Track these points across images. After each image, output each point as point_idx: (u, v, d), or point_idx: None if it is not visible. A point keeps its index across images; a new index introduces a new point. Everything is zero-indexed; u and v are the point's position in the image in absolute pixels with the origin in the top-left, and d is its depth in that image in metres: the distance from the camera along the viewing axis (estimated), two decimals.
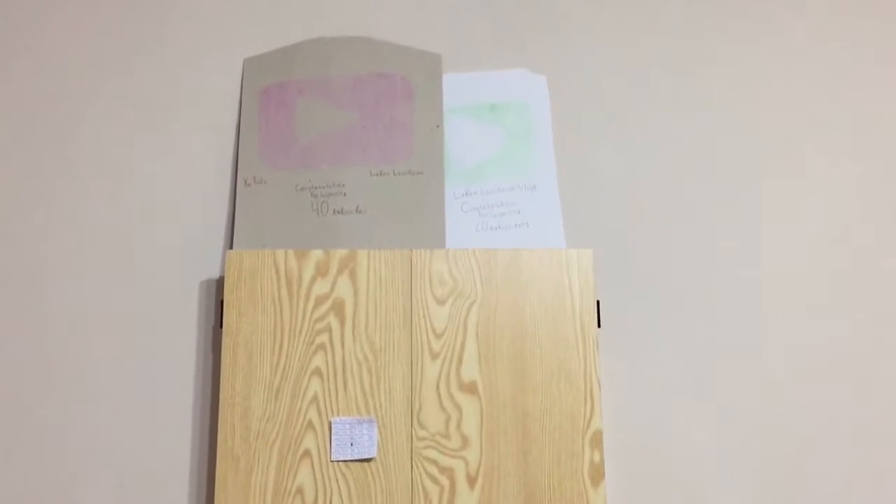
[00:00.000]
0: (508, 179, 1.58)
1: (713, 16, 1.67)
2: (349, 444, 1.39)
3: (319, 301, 1.43)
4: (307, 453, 1.38)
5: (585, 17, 1.66)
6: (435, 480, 1.38)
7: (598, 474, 1.39)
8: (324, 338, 1.42)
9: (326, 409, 1.40)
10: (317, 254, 1.45)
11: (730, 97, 1.64)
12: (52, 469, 1.43)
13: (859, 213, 1.60)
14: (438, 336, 1.43)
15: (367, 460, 1.38)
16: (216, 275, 1.52)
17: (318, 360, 1.41)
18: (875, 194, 1.60)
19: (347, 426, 1.39)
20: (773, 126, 1.63)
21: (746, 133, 1.63)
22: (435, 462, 1.39)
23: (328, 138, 1.57)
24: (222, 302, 1.44)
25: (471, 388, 1.42)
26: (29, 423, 1.45)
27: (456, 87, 1.62)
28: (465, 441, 1.40)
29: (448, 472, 1.39)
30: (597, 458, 1.40)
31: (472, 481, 1.39)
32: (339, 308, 1.43)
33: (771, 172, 1.61)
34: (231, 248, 1.51)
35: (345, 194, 1.54)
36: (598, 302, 1.48)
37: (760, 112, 1.64)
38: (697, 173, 1.61)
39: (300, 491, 1.37)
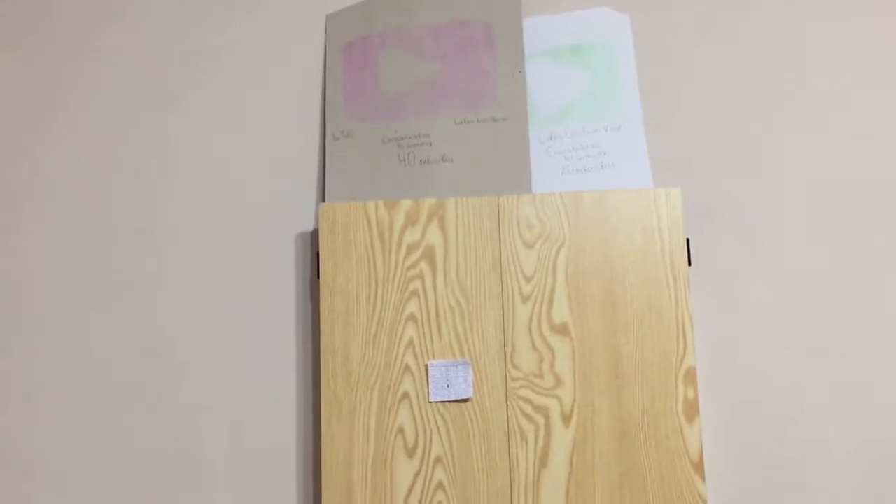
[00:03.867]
0: (593, 121, 1.58)
1: None
2: (445, 386, 1.43)
3: (411, 249, 1.47)
4: (406, 395, 1.44)
5: None
6: (530, 419, 1.42)
7: (692, 410, 1.41)
8: (416, 284, 1.46)
9: (422, 353, 1.44)
10: (406, 203, 1.49)
11: (828, 34, 1.59)
12: (170, 415, 1.53)
13: None
14: (528, 279, 1.46)
15: (464, 401, 1.43)
16: (310, 227, 1.57)
17: (412, 307, 1.46)
18: None
19: (443, 369, 1.44)
20: (864, 69, 1.58)
21: (841, 75, 1.58)
22: (529, 401, 1.42)
23: (412, 89, 1.59)
24: (318, 254, 1.49)
25: (562, 329, 1.44)
26: (148, 376, 1.55)
27: (537, 30, 1.62)
28: (558, 381, 1.43)
29: (543, 410, 1.42)
30: (691, 394, 1.41)
31: (566, 419, 1.42)
32: (429, 255, 1.47)
33: (864, 109, 1.56)
34: (323, 201, 1.56)
35: (430, 144, 1.56)
36: (687, 240, 1.47)
37: (866, 53, 1.58)
38: (787, 110, 1.57)
39: (401, 430, 1.43)
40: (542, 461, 1.41)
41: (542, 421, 1.42)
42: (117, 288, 1.57)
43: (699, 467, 1.39)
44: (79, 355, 1.55)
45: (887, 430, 1.47)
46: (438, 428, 1.43)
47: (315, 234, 1.57)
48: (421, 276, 1.46)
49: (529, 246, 1.47)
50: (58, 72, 1.65)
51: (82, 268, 1.58)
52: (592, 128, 1.58)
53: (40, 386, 1.55)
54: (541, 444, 1.42)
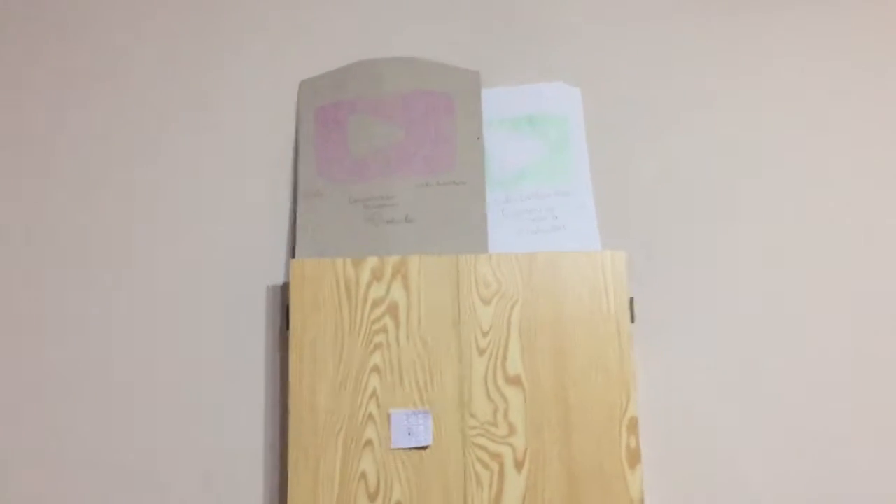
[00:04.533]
0: (546, 186, 1.71)
1: (744, 15, 1.78)
2: (407, 434, 1.53)
3: (376, 304, 1.58)
4: (369, 442, 1.53)
5: (614, 27, 1.77)
6: (486, 465, 1.52)
7: (634, 458, 1.52)
8: (381, 338, 1.56)
9: (385, 403, 1.54)
10: (372, 261, 1.59)
11: (763, 100, 1.75)
12: (140, 462, 1.60)
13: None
14: (485, 334, 1.57)
15: (424, 448, 1.53)
16: (280, 280, 1.67)
17: (377, 358, 1.56)
18: None
19: (405, 417, 1.53)
20: (806, 129, 1.74)
21: (780, 135, 1.74)
22: (485, 448, 1.53)
23: (378, 153, 1.70)
24: (287, 306, 1.59)
25: (515, 381, 1.55)
26: (118, 422, 1.61)
27: (495, 100, 1.75)
28: (511, 429, 1.53)
29: (497, 457, 1.53)
30: (633, 443, 1.53)
31: (519, 465, 1.52)
32: (393, 310, 1.57)
33: (802, 174, 1.72)
34: (293, 256, 1.66)
35: (395, 205, 1.68)
36: (631, 299, 1.60)
37: (796, 115, 1.74)
38: (726, 175, 1.72)
39: (364, 476, 1.52)
40: None
41: (496, 467, 1.52)
42: (92, 332, 1.64)
43: None
44: (54, 396, 1.62)
45: (820, 475, 1.60)
46: (399, 473, 1.52)
47: (285, 287, 1.66)
48: (385, 330, 1.57)
49: (486, 302, 1.58)
50: (35, 115, 1.72)
51: (55, 314, 1.65)
52: (545, 192, 1.71)
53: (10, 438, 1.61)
54: (495, 489, 1.52)
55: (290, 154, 1.72)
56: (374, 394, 1.55)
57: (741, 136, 1.74)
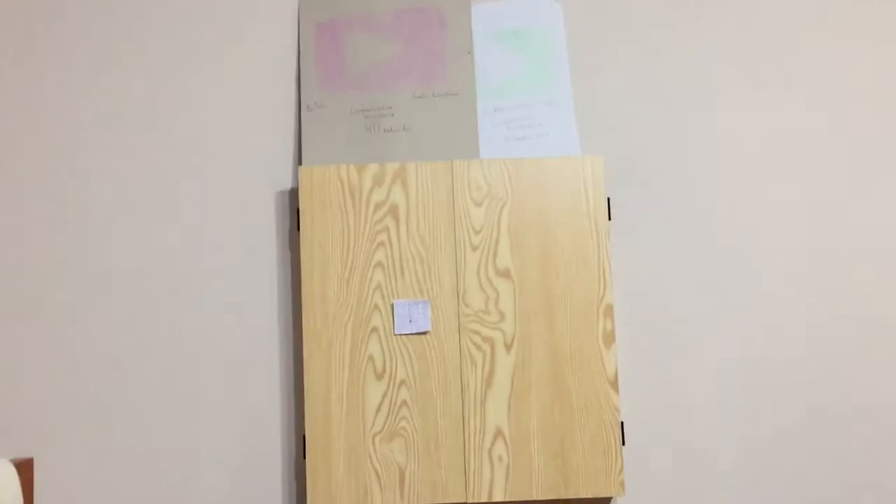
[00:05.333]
0: (531, 96, 1.86)
1: None
2: (408, 321, 1.72)
3: (378, 206, 1.74)
4: (375, 329, 1.72)
5: None
6: (479, 348, 1.72)
7: (609, 339, 1.73)
8: (383, 237, 1.73)
9: (389, 294, 1.72)
10: (373, 167, 1.75)
11: (750, 10, 1.89)
12: (169, 350, 1.78)
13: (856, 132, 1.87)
14: (477, 232, 1.74)
15: (424, 333, 1.72)
16: (289, 186, 1.82)
17: (380, 255, 1.73)
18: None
19: (406, 307, 1.72)
20: (780, 40, 1.89)
21: (762, 45, 1.88)
22: (478, 333, 1.72)
23: (375, 66, 1.84)
24: (298, 210, 1.74)
25: (505, 274, 1.74)
26: (145, 319, 1.79)
27: (483, 16, 1.87)
28: (502, 316, 1.73)
29: (489, 340, 1.72)
30: (608, 326, 1.73)
31: (508, 347, 1.72)
32: (394, 212, 1.74)
33: (780, 84, 1.88)
34: (300, 163, 1.81)
35: (392, 115, 1.82)
36: (608, 199, 1.77)
37: (772, 29, 1.89)
38: (703, 83, 1.87)
39: (371, 359, 1.71)
40: (488, 382, 1.72)
41: (488, 349, 1.72)
42: (124, 240, 1.80)
43: (614, 384, 1.72)
44: (77, 301, 1.78)
45: (777, 352, 1.82)
46: (402, 356, 1.72)
47: (294, 193, 1.82)
48: (387, 230, 1.74)
49: (478, 204, 1.75)
50: (42, 57, 1.83)
51: (76, 225, 1.80)
52: (530, 102, 1.86)
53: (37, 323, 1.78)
54: (487, 368, 1.72)
55: (294, 67, 1.85)
56: (378, 286, 1.73)
57: (720, 44, 1.88)
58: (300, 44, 1.85)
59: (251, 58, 1.85)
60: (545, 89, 1.86)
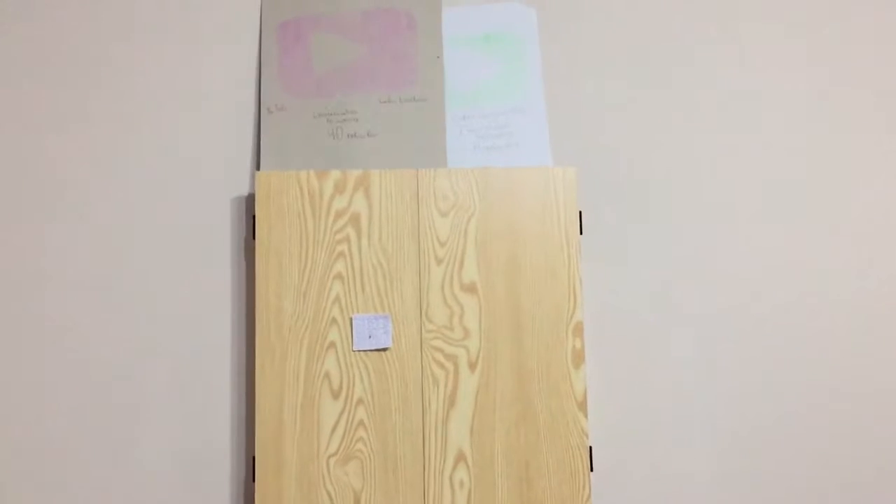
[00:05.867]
0: (501, 104, 1.78)
1: None
2: (368, 337, 1.63)
3: (339, 215, 1.65)
4: (332, 344, 1.63)
5: None
6: (441, 366, 1.63)
7: (579, 359, 1.65)
8: (343, 247, 1.65)
9: (348, 308, 1.63)
10: (335, 174, 1.66)
11: (711, 20, 1.83)
12: (115, 356, 1.68)
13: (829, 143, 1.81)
14: (442, 244, 1.66)
15: (384, 350, 1.63)
16: (246, 192, 1.73)
17: (339, 266, 1.64)
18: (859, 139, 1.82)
19: (366, 321, 1.63)
20: (755, 48, 1.83)
21: (722, 56, 1.82)
22: (441, 350, 1.64)
23: (341, 69, 1.75)
24: (254, 217, 1.65)
25: (471, 288, 1.65)
26: (88, 326, 1.68)
27: (454, 19, 1.80)
28: (466, 333, 1.64)
29: (452, 358, 1.64)
30: (578, 344, 1.65)
31: (472, 366, 1.64)
32: (355, 221, 1.65)
33: (759, 91, 1.82)
34: (259, 169, 1.72)
35: (357, 120, 1.74)
36: (580, 213, 1.70)
37: (753, 38, 1.83)
38: (679, 92, 1.81)
39: (327, 376, 1.62)
40: (451, 402, 1.63)
41: (451, 368, 1.64)
42: (65, 245, 1.70)
43: (583, 406, 1.63)
44: (21, 305, 1.68)
45: (755, 374, 1.75)
46: (361, 373, 1.63)
47: (250, 199, 1.72)
48: (347, 240, 1.65)
49: (444, 214, 1.67)
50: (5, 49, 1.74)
51: (26, 232, 1.70)
52: (501, 110, 1.78)
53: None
54: (450, 387, 1.63)
55: (255, 69, 1.76)
56: (336, 299, 1.63)
57: (697, 51, 1.82)
58: (262, 43, 1.76)
59: (208, 57, 1.76)
60: (517, 97, 1.78)
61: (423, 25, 1.77)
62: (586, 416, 1.63)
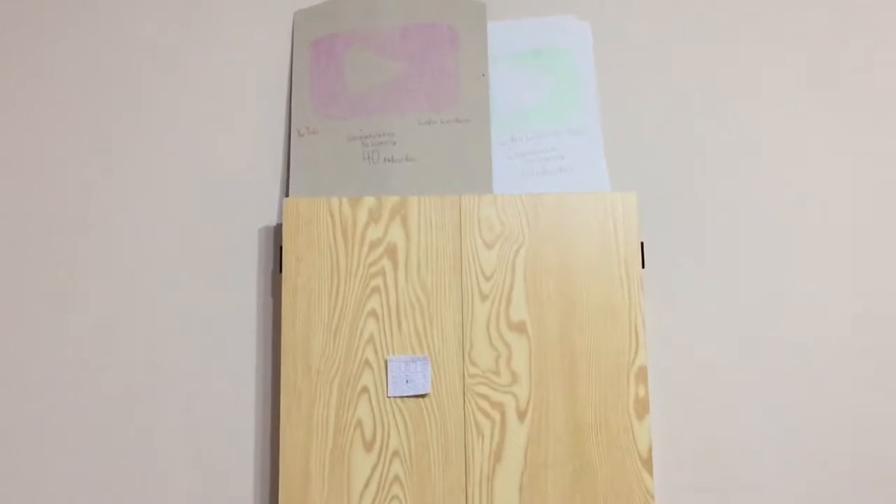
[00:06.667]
0: (553, 125, 1.62)
1: None
2: (404, 381, 1.46)
3: (373, 246, 1.50)
4: (365, 389, 1.46)
5: None
6: (486, 415, 1.46)
7: (642, 409, 1.46)
8: (378, 281, 1.49)
9: (382, 348, 1.47)
10: (369, 201, 1.51)
11: (776, 44, 1.65)
12: (130, 401, 1.53)
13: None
14: (488, 278, 1.49)
15: (422, 396, 1.46)
16: (274, 221, 1.59)
17: (374, 302, 1.48)
18: None
19: (402, 364, 1.46)
20: (819, 76, 1.64)
21: (801, 79, 1.64)
22: (486, 397, 1.46)
23: (377, 88, 1.61)
24: (281, 248, 1.51)
25: (519, 328, 1.48)
26: (110, 362, 1.55)
27: (501, 34, 1.65)
28: (514, 377, 1.46)
29: (499, 406, 1.46)
30: (641, 392, 1.46)
31: (521, 415, 1.46)
32: (391, 252, 1.50)
33: (816, 120, 1.63)
34: (287, 195, 1.58)
35: (394, 143, 1.59)
36: (641, 244, 1.52)
37: (812, 61, 1.65)
38: (742, 117, 1.63)
39: (360, 424, 1.45)
40: (497, 456, 1.45)
41: (497, 417, 1.46)
42: (86, 275, 1.57)
43: (648, 463, 1.44)
44: (48, 341, 1.55)
45: (824, 428, 1.54)
46: (396, 422, 1.46)
47: (278, 229, 1.58)
48: (382, 273, 1.49)
49: (489, 245, 1.50)
50: (30, 67, 1.64)
51: (49, 258, 1.58)
52: (552, 131, 1.62)
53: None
54: (496, 439, 1.45)
55: (285, 89, 1.63)
56: (370, 339, 1.47)
57: (761, 71, 1.64)
58: (293, 62, 1.63)
59: (237, 77, 1.64)
60: (569, 117, 1.62)
61: (466, 41, 1.63)
62: (651, 473, 1.44)
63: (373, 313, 1.48)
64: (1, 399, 1.53)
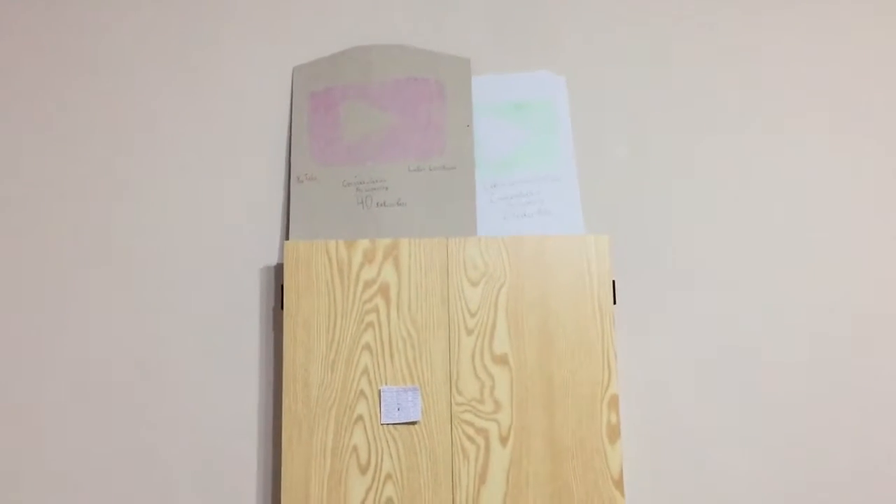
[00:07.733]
0: (532, 172, 1.76)
1: (728, 14, 1.83)
2: (396, 409, 1.59)
3: (367, 285, 1.63)
4: (360, 417, 1.59)
5: (602, 19, 1.82)
6: (472, 440, 1.59)
7: (614, 433, 1.59)
8: (372, 317, 1.62)
9: (376, 379, 1.60)
10: (364, 243, 1.64)
11: (738, 94, 1.81)
12: (138, 433, 1.65)
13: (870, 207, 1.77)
14: (473, 314, 1.63)
15: (413, 423, 1.59)
16: (274, 262, 1.72)
17: (368, 337, 1.61)
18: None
19: (394, 393, 1.59)
20: (780, 118, 1.80)
21: (756, 126, 1.80)
22: (472, 424, 1.59)
23: (371, 137, 1.75)
24: (282, 287, 1.64)
25: (502, 360, 1.61)
26: (119, 397, 1.67)
27: (484, 87, 1.80)
28: (497, 405, 1.60)
29: (483, 432, 1.59)
30: (613, 419, 1.59)
31: (504, 440, 1.59)
32: (384, 291, 1.63)
33: (785, 158, 1.78)
34: (287, 238, 1.71)
35: (386, 188, 1.73)
36: (613, 282, 1.66)
37: (773, 107, 1.80)
38: (709, 160, 1.78)
39: (355, 449, 1.58)
40: (482, 478, 1.58)
41: (482, 442, 1.59)
42: (96, 314, 1.69)
43: (619, 484, 1.57)
44: (53, 379, 1.67)
45: (797, 459, 1.68)
46: (389, 447, 1.58)
47: (279, 269, 1.71)
48: (376, 310, 1.62)
49: (474, 284, 1.64)
50: (29, 102, 1.76)
51: (55, 297, 1.70)
52: (532, 177, 1.76)
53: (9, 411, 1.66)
54: (481, 462, 1.58)
55: (285, 138, 1.77)
56: (365, 371, 1.60)
57: (724, 120, 1.80)
58: (293, 113, 1.77)
59: (241, 127, 1.77)
60: (547, 164, 1.77)
61: (452, 94, 1.77)
62: (623, 493, 1.57)
63: (367, 347, 1.61)
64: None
